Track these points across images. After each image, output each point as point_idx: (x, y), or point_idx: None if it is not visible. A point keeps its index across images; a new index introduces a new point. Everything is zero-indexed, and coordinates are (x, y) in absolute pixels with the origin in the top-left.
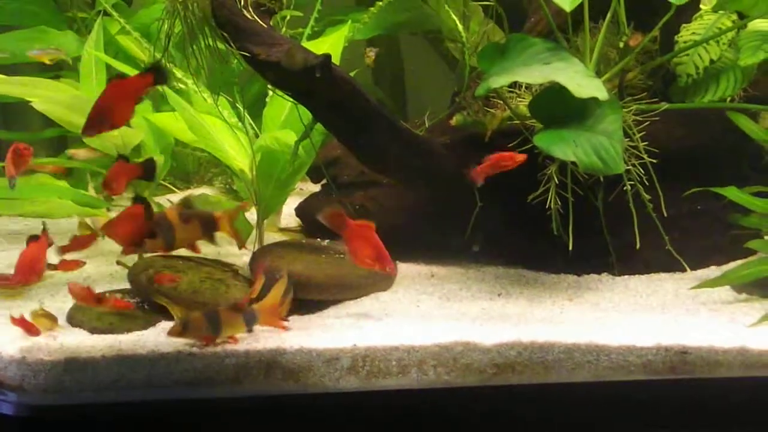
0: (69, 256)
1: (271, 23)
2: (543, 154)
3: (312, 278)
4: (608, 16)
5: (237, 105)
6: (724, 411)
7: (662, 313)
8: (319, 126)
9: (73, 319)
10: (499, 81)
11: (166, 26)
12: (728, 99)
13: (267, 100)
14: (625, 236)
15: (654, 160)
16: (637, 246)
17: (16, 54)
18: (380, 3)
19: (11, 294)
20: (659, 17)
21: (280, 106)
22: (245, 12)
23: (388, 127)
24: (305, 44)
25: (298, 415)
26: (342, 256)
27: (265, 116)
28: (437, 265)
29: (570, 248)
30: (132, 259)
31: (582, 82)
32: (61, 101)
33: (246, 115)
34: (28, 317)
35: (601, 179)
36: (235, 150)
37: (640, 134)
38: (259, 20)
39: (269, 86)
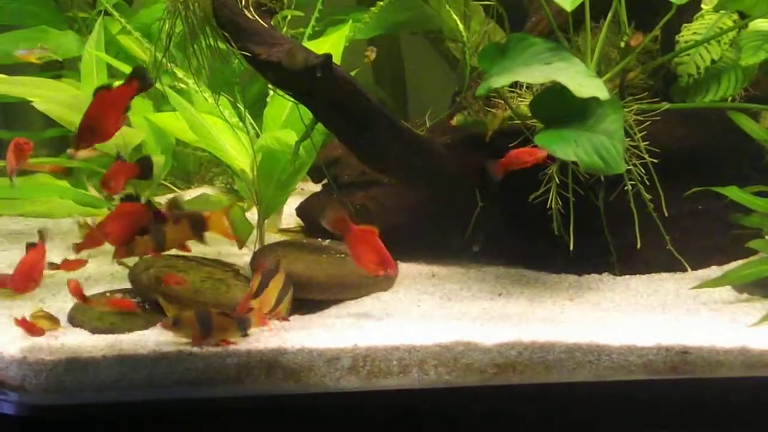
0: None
1: (272, 23)
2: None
3: (313, 278)
4: (609, 15)
5: (238, 105)
6: (725, 411)
7: (663, 313)
8: (320, 126)
9: (74, 319)
10: (499, 81)
11: (167, 26)
12: (729, 99)
13: (268, 99)
14: (626, 236)
15: (655, 160)
16: (638, 246)
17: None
18: (381, 3)
19: (12, 294)
20: (660, 17)
21: (281, 105)
22: (246, 12)
23: (389, 126)
24: (306, 44)
25: (299, 415)
26: (343, 255)
27: (265, 116)
28: (438, 264)
29: (571, 248)
30: (133, 258)
31: (583, 81)
32: (62, 101)
33: (247, 114)
34: (28, 318)
35: (602, 179)
36: (236, 150)
37: (641, 134)
38: (260, 20)
39: (270, 86)
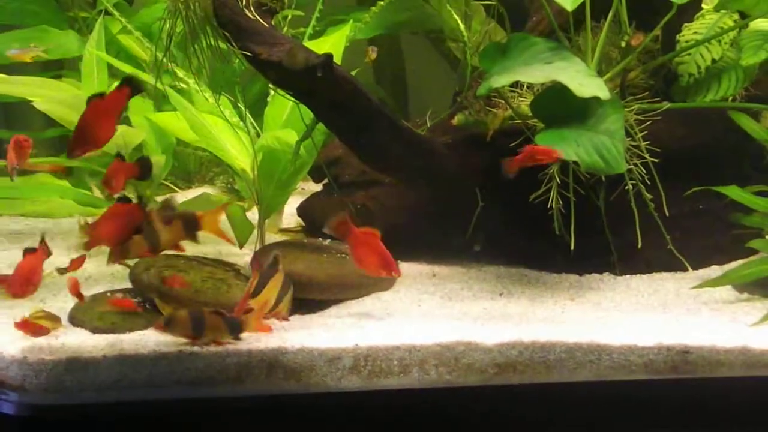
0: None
1: (272, 23)
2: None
3: (313, 278)
4: (610, 15)
5: (238, 104)
6: (725, 411)
7: (664, 313)
8: (320, 125)
9: (75, 319)
10: (500, 80)
11: (167, 25)
12: (730, 98)
13: (268, 99)
14: (627, 236)
15: (656, 160)
16: (639, 245)
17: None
18: (381, 2)
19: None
20: (661, 16)
21: (282, 105)
22: (247, 11)
23: (390, 126)
24: (307, 44)
25: (300, 415)
26: (343, 255)
27: (266, 116)
28: (439, 264)
29: (572, 248)
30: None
31: (584, 81)
32: (63, 101)
33: (247, 114)
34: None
35: (603, 179)
36: (237, 149)
37: (642, 134)
38: (260, 20)
39: (271, 86)
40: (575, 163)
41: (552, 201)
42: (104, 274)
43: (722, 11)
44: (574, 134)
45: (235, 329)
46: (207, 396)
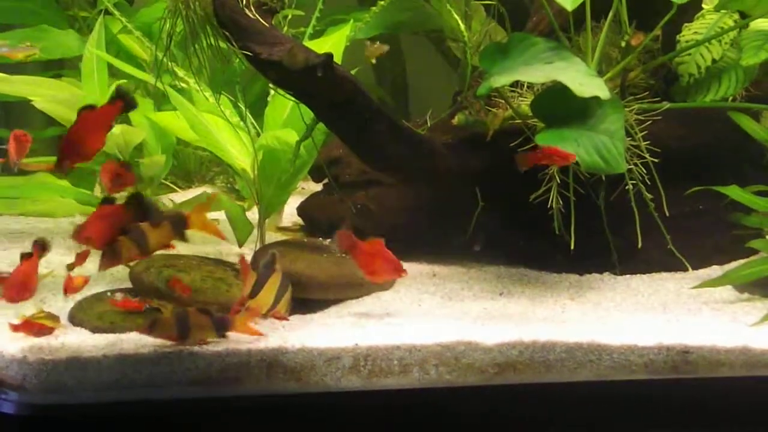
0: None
1: (272, 22)
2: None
3: (313, 277)
4: (610, 15)
5: (239, 104)
6: (726, 411)
7: (664, 313)
8: (320, 125)
9: (75, 318)
10: (500, 80)
11: (168, 25)
12: (730, 99)
13: (269, 99)
14: (627, 236)
15: (656, 160)
16: (639, 245)
17: None
18: (382, 2)
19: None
20: (661, 16)
21: (282, 105)
22: (247, 11)
23: (390, 126)
24: (307, 43)
25: (300, 415)
26: (343, 255)
27: (266, 115)
28: (439, 264)
29: (572, 248)
30: None
31: (584, 81)
32: (63, 100)
33: (248, 114)
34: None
35: (603, 178)
36: (237, 149)
37: (642, 133)
38: (260, 19)
39: (271, 85)
40: (575, 162)
41: (552, 201)
42: (104, 274)
43: (722, 11)
44: (575, 134)
45: (221, 328)
46: (207, 396)
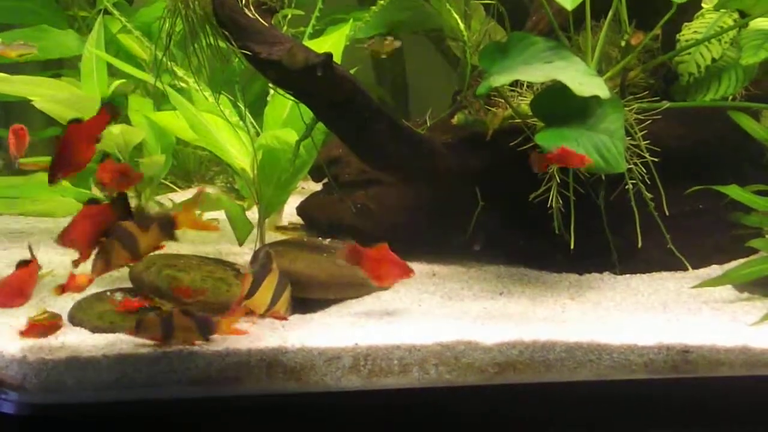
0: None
1: (272, 22)
2: (544, 152)
3: (313, 277)
4: (610, 14)
5: (238, 104)
6: (726, 410)
7: (664, 312)
8: (320, 125)
9: (75, 318)
10: (500, 80)
11: (167, 25)
12: (730, 98)
13: (268, 98)
14: (627, 235)
15: (656, 159)
16: (639, 245)
17: None
18: (381, 1)
19: None
20: (661, 16)
21: (282, 104)
22: (246, 10)
23: (390, 125)
24: (307, 43)
25: (300, 415)
26: None
27: (266, 115)
28: (439, 264)
29: (571, 247)
30: None
31: (584, 80)
32: (63, 100)
33: (247, 113)
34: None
35: (603, 178)
36: (237, 149)
37: (642, 133)
38: (260, 19)
39: (270, 85)
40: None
41: (552, 200)
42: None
43: (722, 10)
44: (574, 133)
45: (206, 330)
46: (207, 395)
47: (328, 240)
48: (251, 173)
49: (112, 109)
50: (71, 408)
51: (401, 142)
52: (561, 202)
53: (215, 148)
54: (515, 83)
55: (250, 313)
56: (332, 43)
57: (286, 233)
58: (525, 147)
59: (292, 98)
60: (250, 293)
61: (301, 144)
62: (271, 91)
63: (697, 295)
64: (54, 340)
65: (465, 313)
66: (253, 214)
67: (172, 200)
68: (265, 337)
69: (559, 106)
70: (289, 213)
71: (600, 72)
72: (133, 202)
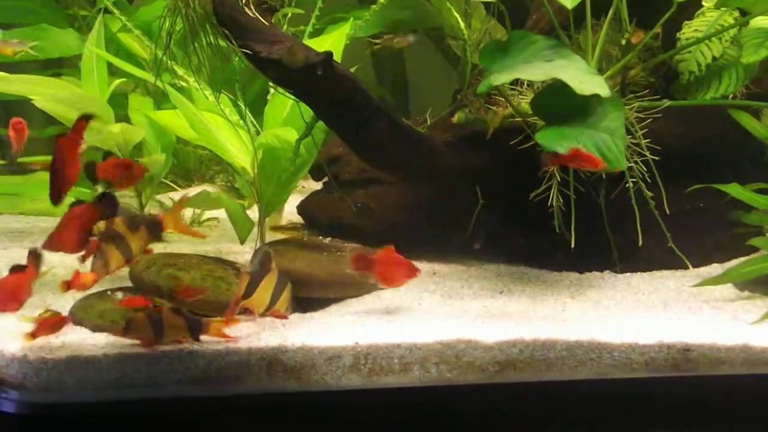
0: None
1: (272, 21)
2: (545, 151)
3: (314, 276)
4: (610, 13)
5: (238, 103)
6: (726, 409)
7: (664, 311)
8: (320, 124)
9: (75, 317)
10: (500, 78)
11: (167, 24)
12: (730, 96)
13: (268, 97)
14: (627, 234)
15: (656, 158)
16: (640, 243)
17: None
18: (382, 0)
19: None
20: (661, 14)
21: (282, 103)
22: (247, 9)
23: (390, 124)
24: (307, 42)
25: (300, 414)
26: (343, 253)
27: (266, 114)
28: (439, 262)
29: (572, 246)
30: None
31: (584, 79)
32: (63, 99)
33: (247, 112)
34: (32, 323)
35: (603, 176)
36: (237, 148)
37: (643, 131)
38: (260, 18)
39: (271, 84)
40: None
41: (552, 199)
42: None
43: (723, 9)
44: (575, 132)
45: (196, 330)
46: (207, 395)
47: (329, 239)
48: (251, 172)
49: (87, 116)
50: (72, 407)
51: (401, 141)
52: (561, 200)
53: (215, 147)
54: (516, 82)
55: (249, 312)
56: (332, 42)
57: (285, 233)
58: (525, 146)
59: (293, 97)
60: (249, 293)
61: (302, 143)
62: (272, 90)
63: (697, 294)
64: (54, 339)
65: (465, 311)
66: (253, 213)
67: (172, 199)
68: (266, 336)
69: (560, 104)
70: (290, 212)
71: (600, 70)
72: (134, 202)
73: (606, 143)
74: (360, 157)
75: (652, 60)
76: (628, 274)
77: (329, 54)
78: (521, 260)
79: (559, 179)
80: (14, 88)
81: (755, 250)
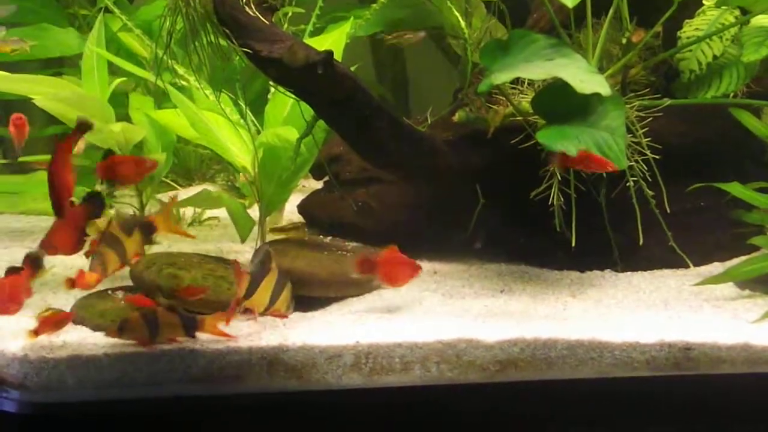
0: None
1: (273, 20)
2: (545, 150)
3: (314, 275)
4: (611, 11)
5: (239, 102)
6: (727, 407)
7: (665, 310)
8: (321, 123)
9: (76, 317)
10: (501, 77)
11: (168, 23)
12: (731, 95)
13: (269, 96)
14: (628, 232)
15: (657, 156)
16: (640, 242)
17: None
18: None
19: None
20: (662, 13)
21: (282, 102)
22: (247, 9)
23: (390, 123)
24: (307, 41)
25: (301, 413)
26: (344, 252)
27: (267, 113)
28: (440, 262)
29: (573, 245)
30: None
31: (585, 78)
32: (63, 98)
33: (248, 111)
34: (34, 321)
35: (604, 175)
36: (237, 147)
37: (643, 130)
38: (261, 17)
39: (271, 83)
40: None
41: (553, 198)
42: None
43: (723, 7)
44: (576, 131)
45: (191, 328)
46: (208, 394)
47: (329, 238)
48: (252, 171)
49: (83, 125)
50: (72, 407)
51: (402, 140)
52: (562, 199)
53: (216, 147)
54: (516, 81)
55: (250, 312)
56: (333, 41)
57: (286, 234)
58: (526, 145)
59: (293, 96)
60: (249, 293)
61: (302, 142)
62: (272, 89)
63: (698, 293)
64: (55, 339)
65: (466, 310)
66: (254, 213)
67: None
68: (266, 335)
69: (561, 103)
70: (290, 211)
71: (601, 69)
72: (135, 201)
73: (607, 142)
74: (361, 156)
75: (653, 59)
76: (628, 272)
77: (330, 53)
78: (522, 259)
79: (559, 178)
80: (15, 87)
81: (756, 248)
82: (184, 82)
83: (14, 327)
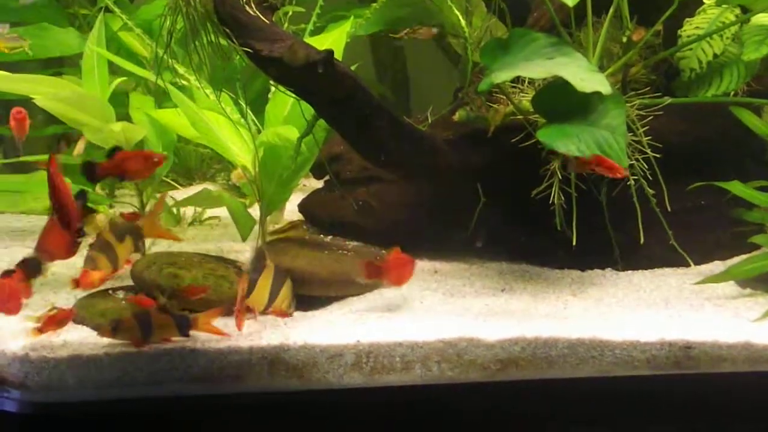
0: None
1: (273, 19)
2: (546, 149)
3: (315, 274)
4: (611, 10)
5: (239, 101)
6: (728, 406)
7: (666, 308)
8: (321, 122)
9: (77, 316)
10: (501, 76)
11: (168, 22)
12: (731, 93)
13: (269, 96)
14: (629, 231)
15: (657, 155)
16: (641, 241)
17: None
18: None
19: None
20: (662, 12)
21: (283, 102)
22: (247, 8)
23: (391, 122)
24: (308, 40)
25: (301, 412)
26: (345, 252)
27: (267, 112)
28: (440, 261)
29: (573, 243)
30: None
31: (585, 76)
32: (64, 98)
33: (248, 111)
34: (36, 320)
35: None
36: (238, 146)
37: (644, 129)
38: (261, 16)
39: (271, 82)
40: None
41: (554, 197)
42: None
43: (724, 6)
44: (576, 129)
45: (184, 327)
46: (208, 393)
47: (330, 237)
48: (252, 171)
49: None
50: (73, 406)
51: (402, 139)
52: (563, 198)
53: (216, 146)
54: (516, 80)
55: (250, 311)
56: (333, 40)
57: (286, 234)
58: (526, 143)
59: (293, 95)
60: (248, 293)
61: (303, 141)
62: (272, 89)
63: (699, 291)
64: (56, 338)
65: (467, 309)
66: (254, 212)
67: (173, 198)
68: (267, 335)
69: (561, 102)
70: (291, 210)
71: (601, 68)
72: (135, 201)
73: (607, 141)
74: (361, 155)
75: (653, 57)
76: (629, 271)
77: (330, 52)
78: (523, 258)
79: (560, 177)
80: (15, 87)
81: (757, 247)
82: (184, 82)
83: (14, 327)
